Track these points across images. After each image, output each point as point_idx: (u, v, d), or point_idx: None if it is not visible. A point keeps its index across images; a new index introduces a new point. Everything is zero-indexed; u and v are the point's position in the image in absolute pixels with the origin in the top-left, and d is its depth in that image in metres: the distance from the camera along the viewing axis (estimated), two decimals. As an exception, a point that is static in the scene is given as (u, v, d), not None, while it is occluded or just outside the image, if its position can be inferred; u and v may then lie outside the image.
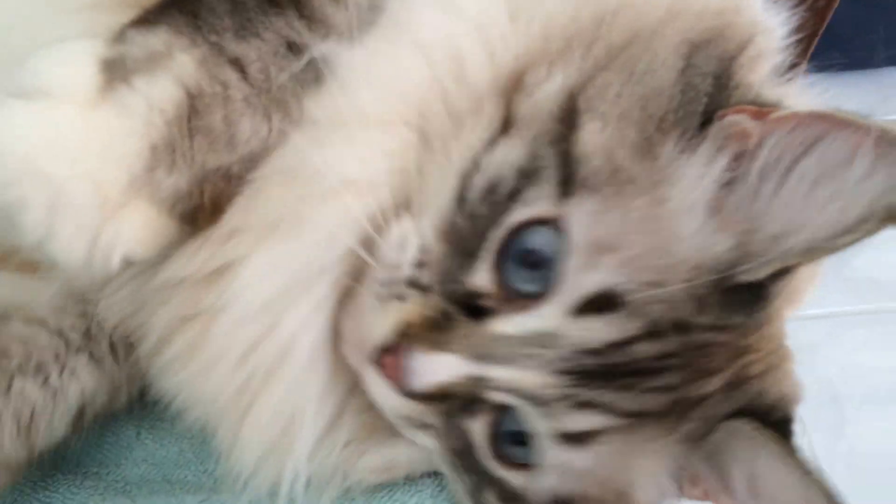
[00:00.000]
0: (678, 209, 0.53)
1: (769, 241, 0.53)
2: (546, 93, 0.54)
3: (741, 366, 0.57)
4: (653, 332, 0.53)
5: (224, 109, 0.53)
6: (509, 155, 0.54)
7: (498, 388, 0.56)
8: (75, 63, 0.51)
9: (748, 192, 0.54)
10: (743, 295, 0.54)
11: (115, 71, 0.51)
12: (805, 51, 0.64)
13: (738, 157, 0.54)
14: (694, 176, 0.54)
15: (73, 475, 0.71)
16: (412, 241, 0.56)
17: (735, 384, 0.57)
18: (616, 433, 0.56)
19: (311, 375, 0.62)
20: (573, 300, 0.54)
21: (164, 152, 0.52)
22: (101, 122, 0.50)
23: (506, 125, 0.55)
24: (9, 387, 0.64)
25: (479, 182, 0.55)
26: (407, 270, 0.56)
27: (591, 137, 0.53)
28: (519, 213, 0.54)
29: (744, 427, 0.58)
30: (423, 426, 0.60)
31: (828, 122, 0.50)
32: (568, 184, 0.53)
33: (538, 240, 0.54)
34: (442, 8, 0.57)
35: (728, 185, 0.54)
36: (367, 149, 0.57)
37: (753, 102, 0.54)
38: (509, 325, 0.55)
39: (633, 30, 0.56)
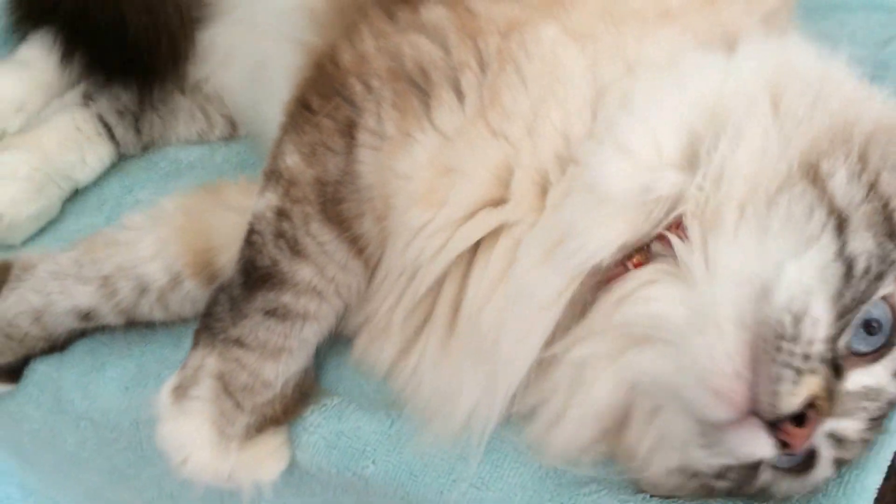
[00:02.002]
0: None
1: None
2: (853, 188, 0.67)
3: None
4: None
5: (244, 371, 0.78)
6: (867, 245, 0.65)
7: (820, 436, 0.66)
8: (162, 395, 0.78)
9: None
10: None
11: (179, 390, 0.78)
12: None
13: None
14: None
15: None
16: (821, 314, 0.63)
17: None
18: None
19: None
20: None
21: (224, 419, 0.77)
22: (185, 429, 0.77)
23: (841, 214, 0.66)
24: None
25: (861, 264, 0.65)
26: (819, 346, 0.63)
27: None
28: (883, 290, 0.65)
29: None
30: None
31: None
32: None
33: (878, 312, 0.66)
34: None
35: None
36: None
37: None
38: (852, 383, 0.65)
39: (865, 139, 0.69)
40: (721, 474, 0.68)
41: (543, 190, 0.72)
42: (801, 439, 0.62)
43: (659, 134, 0.70)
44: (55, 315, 0.84)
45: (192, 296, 0.88)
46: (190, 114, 1.14)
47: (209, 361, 0.78)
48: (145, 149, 1.13)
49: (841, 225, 0.65)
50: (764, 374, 0.62)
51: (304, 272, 0.78)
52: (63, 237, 1.00)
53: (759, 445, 0.63)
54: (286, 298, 0.78)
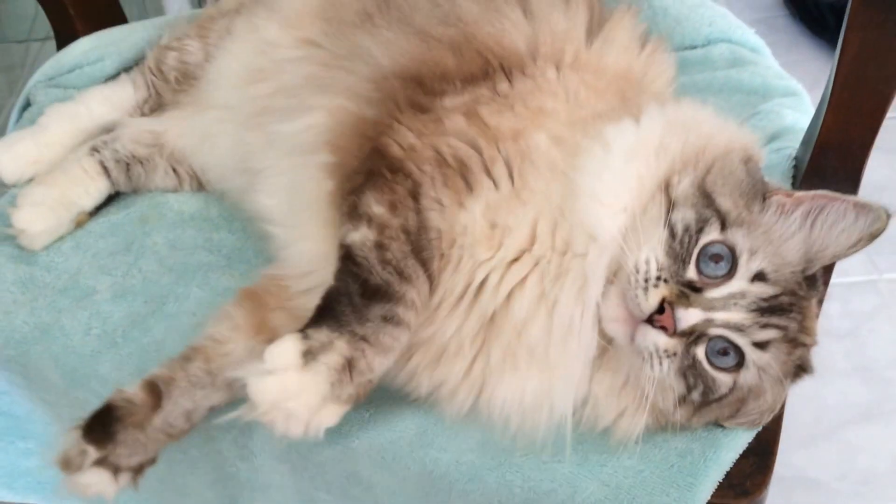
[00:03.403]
0: (783, 236, 0.99)
1: (815, 254, 0.99)
2: (685, 187, 0.99)
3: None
4: (784, 293, 0.97)
5: (364, 360, 0.96)
6: (685, 215, 0.97)
7: (717, 326, 0.95)
8: (287, 354, 0.93)
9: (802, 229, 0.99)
10: (809, 281, 1.00)
11: (309, 354, 0.93)
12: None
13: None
14: (779, 222, 1.00)
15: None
16: (652, 259, 0.95)
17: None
18: (780, 342, 0.98)
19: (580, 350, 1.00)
20: (749, 274, 0.96)
21: (339, 385, 0.94)
22: (307, 380, 0.93)
23: (673, 203, 0.98)
24: None
25: (680, 227, 0.96)
26: (654, 273, 0.95)
27: (725, 204, 0.98)
28: (705, 238, 0.96)
29: None
30: (671, 355, 0.95)
31: (826, 198, 0.98)
32: (724, 223, 0.97)
33: (716, 249, 0.96)
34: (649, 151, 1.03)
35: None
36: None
37: (779, 189, 1.02)
38: (716, 293, 0.96)
39: (713, 156, 1.02)
40: (690, 386, 0.98)
41: (555, 236, 1.00)
42: (668, 320, 0.94)
43: (612, 194, 1.00)
44: (200, 411, 1.09)
45: None
46: (164, 171, 1.47)
47: (339, 344, 0.95)
48: (135, 190, 1.46)
49: (671, 208, 0.97)
50: (629, 298, 0.95)
51: (410, 293, 0.98)
52: (105, 270, 1.31)
53: (651, 334, 0.95)
54: (399, 310, 0.98)
